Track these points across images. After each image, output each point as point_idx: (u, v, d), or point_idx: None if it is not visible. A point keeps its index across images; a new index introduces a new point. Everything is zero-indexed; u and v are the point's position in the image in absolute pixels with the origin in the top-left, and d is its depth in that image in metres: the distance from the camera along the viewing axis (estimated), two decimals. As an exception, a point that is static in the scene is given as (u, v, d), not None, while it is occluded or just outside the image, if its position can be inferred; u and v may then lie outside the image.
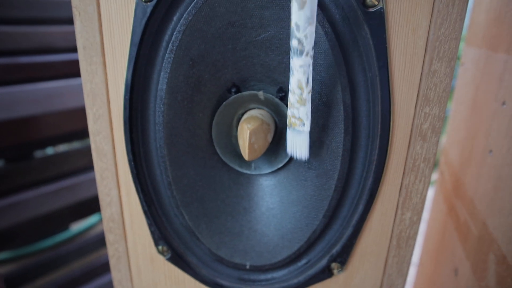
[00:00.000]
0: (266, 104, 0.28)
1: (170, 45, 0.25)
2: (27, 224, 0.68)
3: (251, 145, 0.25)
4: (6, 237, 0.66)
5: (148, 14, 0.25)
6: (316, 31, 0.22)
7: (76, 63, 0.28)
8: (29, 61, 0.66)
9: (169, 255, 0.32)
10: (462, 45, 0.51)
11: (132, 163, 0.29)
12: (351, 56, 0.24)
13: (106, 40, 0.27)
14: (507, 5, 0.37)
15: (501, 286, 0.33)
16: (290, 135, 0.24)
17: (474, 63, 0.46)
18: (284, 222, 0.29)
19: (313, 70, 0.22)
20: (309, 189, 0.27)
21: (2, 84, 0.63)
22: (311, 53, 0.21)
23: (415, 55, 0.24)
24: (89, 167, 0.78)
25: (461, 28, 0.23)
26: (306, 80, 0.21)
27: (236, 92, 0.27)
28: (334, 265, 0.29)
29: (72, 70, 0.72)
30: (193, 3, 0.24)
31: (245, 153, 0.25)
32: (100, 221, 0.87)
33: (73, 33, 0.28)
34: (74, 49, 0.70)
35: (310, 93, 0.22)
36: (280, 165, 0.29)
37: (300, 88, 0.22)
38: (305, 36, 0.20)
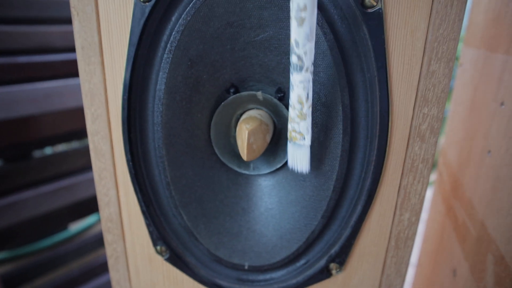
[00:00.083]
0: (264, 104, 0.28)
1: (168, 45, 0.25)
2: (26, 224, 0.68)
3: (249, 145, 0.25)
4: (5, 237, 0.66)
5: (146, 14, 0.25)
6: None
7: (75, 63, 0.28)
8: (28, 60, 0.66)
9: (167, 255, 0.32)
10: (460, 46, 0.51)
11: (131, 163, 0.29)
12: (350, 56, 0.24)
13: (105, 40, 0.27)
14: (506, 6, 0.37)
15: (500, 287, 0.33)
16: (291, 149, 0.24)
17: (472, 64, 0.46)
18: (283, 222, 0.29)
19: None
20: (307, 189, 0.27)
21: (1, 83, 0.63)
22: (311, 68, 0.21)
23: (414, 56, 0.24)
24: (88, 167, 0.78)
25: (460, 28, 0.23)
26: (306, 95, 0.22)
27: (234, 93, 0.27)
28: (332, 265, 0.29)
29: (71, 70, 0.72)
30: (191, 4, 0.24)
31: (244, 153, 0.25)
32: (99, 221, 0.87)
33: (72, 33, 0.28)
34: (73, 49, 0.70)
35: (311, 108, 0.22)
36: (278, 166, 0.29)
37: (300, 103, 0.22)
38: (305, 53, 0.20)
